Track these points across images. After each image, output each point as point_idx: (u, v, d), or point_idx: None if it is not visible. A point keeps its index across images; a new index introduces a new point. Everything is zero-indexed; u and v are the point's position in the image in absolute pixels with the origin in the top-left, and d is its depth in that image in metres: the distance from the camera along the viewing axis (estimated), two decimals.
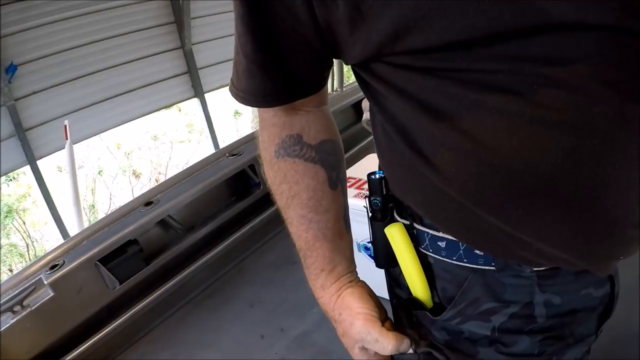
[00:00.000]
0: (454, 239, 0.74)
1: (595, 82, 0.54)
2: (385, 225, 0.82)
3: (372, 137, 0.84)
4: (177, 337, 2.44)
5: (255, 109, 0.84)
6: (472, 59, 0.58)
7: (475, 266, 0.74)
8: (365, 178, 0.86)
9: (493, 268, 0.73)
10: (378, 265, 0.90)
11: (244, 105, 0.82)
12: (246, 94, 0.79)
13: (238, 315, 2.49)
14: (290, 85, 0.78)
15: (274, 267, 2.78)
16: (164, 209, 2.58)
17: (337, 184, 0.87)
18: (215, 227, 2.85)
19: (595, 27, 0.53)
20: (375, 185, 0.83)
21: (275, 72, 0.75)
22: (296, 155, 0.83)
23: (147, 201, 2.62)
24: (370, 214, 0.86)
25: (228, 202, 3.01)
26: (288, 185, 0.84)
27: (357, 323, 0.81)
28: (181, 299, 2.64)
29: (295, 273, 2.62)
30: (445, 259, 0.77)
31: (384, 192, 0.83)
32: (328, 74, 0.83)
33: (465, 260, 0.75)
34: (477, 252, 0.73)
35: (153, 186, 3.13)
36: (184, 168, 3.00)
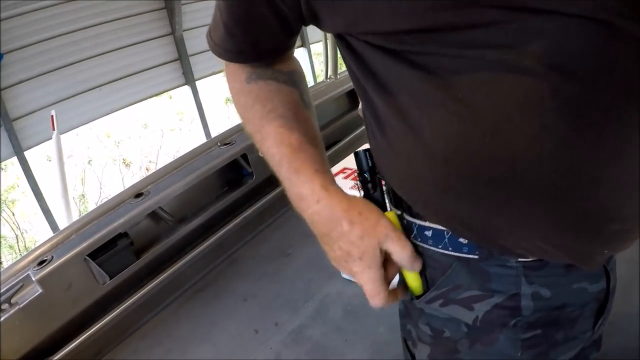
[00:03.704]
0: (439, 227, 0.74)
1: (560, 70, 0.54)
2: (376, 198, 0.82)
3: None
4: (169, 332, 2.40)
5: None
6: (440, 44, 0.59)
7: (459, 254, 0.74)
8: None
9: (477, 257, 0.73)
10: None
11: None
12: (216, 46, 0.83)
13: (231, 309, 2.45)
14: (256, 51, 0.83)
15: (268, 260, 2.74)
16: (154, 201, 2.53)
17: (310, 108, 0.89)
18: (207, 218, 2.81)
19: (561, 14, 0.53)
20: (361, 159, 0.83)
21: (243, 40, 0.80)
22: (268, 77, 0.85)
23: (137, 193, 2.58)
24: (362, 191, 0.84)
25: (220, 193, 2.97)
26: (262, 103, 0.84)
27: (384, 219, 0.76)
28: (173, 293, 2.60)
29: (289, 266, 2.59)
30: (431, 248, 0.77)
31: (370, 165, 0.82)
32: (296, 40, 0.88)
33: (450, 249, 0.74)
34: (461, 240, 0.73)
35: (143, 175, 3.08)
36: (175, 158, 2.95)
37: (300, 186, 0.79)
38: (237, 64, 0.87)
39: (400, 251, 0.76)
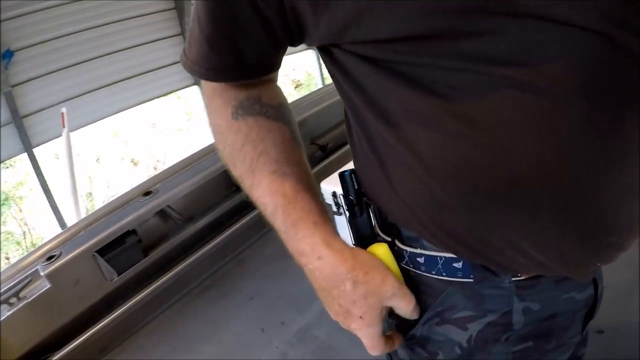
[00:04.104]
0: (432, 254, 0.73)
1: (562, 85, 0.54)
2: (363, 220, 0.80)
3: None
4: (175, 330, 2.41)
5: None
6: (437, 55, 0.57)
7: (454, 279, 0.73)
8: None
9: (471, 280, 0.72)
10: None
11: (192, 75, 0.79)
12: (194, 64, 0.75)
13: (238, 308, 2.46)
14: (241, 66, 0.75)
15: (274, 259, 2.75)
16: (163, 199, 2.55)
17: (300, 144, 0.84)
18: (214, 217, 2.82)
19: (563, 23, 0.51)
20: (347, 181, 0.79)
21: (227, 53, 0.73)
22: (257, 113, 0.79)
23: (146, 191, 2.59)
24: (348, 214, 0.81)
25: (228, 193, 2.97)
26: (252, 145, 0.78)
27: (390, 277, 0.73)
28: (180, 290, 2.61)
29: (295, 265, 2.54)
30: (424, 274, 0.75)
31: (356, 187, 0.79)
32: (282, 59, 0.80)
33: (444, 274, 0.73)
34: (455, 265, 0.72)
35: (151, 174, 3.09)
36: (184, 157, 2.96)
37: (299, 241, 0.75)
38: (222, 98, 0.80)
39: (406, 307, 0.75)
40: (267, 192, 0.77)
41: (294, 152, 0.81)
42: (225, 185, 2.98)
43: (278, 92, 0.85)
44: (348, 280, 0.72)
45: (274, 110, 0.81)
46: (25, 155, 8.36)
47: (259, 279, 2.63)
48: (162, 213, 2.66)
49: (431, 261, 0.73)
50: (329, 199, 1.77)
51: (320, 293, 0.77)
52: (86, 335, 2.23)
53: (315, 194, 0.80)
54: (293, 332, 2.22)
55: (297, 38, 0.70)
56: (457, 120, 0.59)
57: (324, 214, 0.78)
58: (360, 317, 0.74)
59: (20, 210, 12.01)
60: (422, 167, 0.64)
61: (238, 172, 0.80)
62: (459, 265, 0.72)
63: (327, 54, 0.71)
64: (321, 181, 2.02)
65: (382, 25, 0.57)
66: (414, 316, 0.77)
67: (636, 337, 1.74)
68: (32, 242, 11.85)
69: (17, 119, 7.84)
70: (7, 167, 10.94)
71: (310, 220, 0.75)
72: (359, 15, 0.57)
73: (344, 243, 0.75)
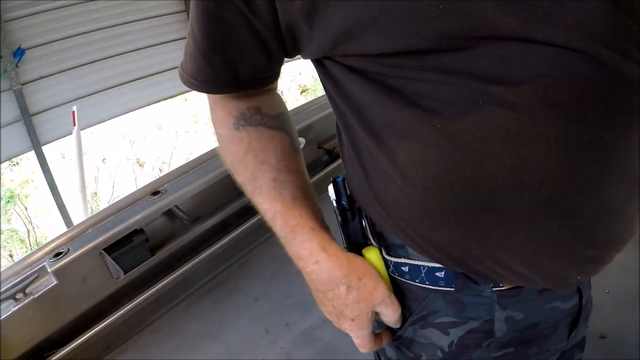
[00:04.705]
0: (416, 263, 0.76)
1: (542, 103, 0.55)
2: (355, 225, 0.83)
3: None
4: (180, 329, 2.42)
5: None
6: (421, 68, 0.59)
7: (436, 288, 0.76)
8: None
9: (453, 289, 0.75)
10: None
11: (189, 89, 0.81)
12: (191, 77, 0.78)
13: (243, 308, 2.47)
14: (236, 80, 0.78)
15: (280, 261, 2.75)
16: (170, 199, 2.55)
17: (300, 152, 0.88)
18: (222, 218, 2.82)
19: (544, 44, 0.53)
20: (339, 187, 0.83)
21: (222, 68, 0.75)
22: (258, 123, 0.82)
23: (154, 191, 2.60)
24: (340, 218, 0.84)
25: (235, 194, 2.97)
26: (254, 154, 0.81)
27: (382, 285, 0.77)
28: (185, 290, 2.62)
29: None
30: (408, 281, 0.79)
31: (348, 193, 0.83)
32: (279, 70, 0.83)
33: (427, 283, 0.76)
34: (438, 274, 0.74)
35: (156, 176, 3.09)
36: (192, 158, 2.97)
37: (298, 246, 0.79)
38: (223, 109, 0.83)
39: (392, 314, 0.79)
40: (267, 199, 0.81)
41: (293, 161, 0.84)
42: (232, 186, 2.93)
43: (278, 100, 0.88)
44: (343, 284, 0.76)
45: (275, 120, 0.84)
46: (32, 153, 8.38)
47: (264, 280, 2.64)
48: (169, 213, 2.66)
49: (415, 270, 0.76)
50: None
51: (316, 294, 0.81)
52: (91, 333, 2.24)
53: (312, 201, 0.84)
54: (297, 333, 2.22)
55: (292, 52, 0.73)
56: (437, 133, 0.60)
57: (321, 219, 0.83)
58: (352, 319, 0.78)
59: (26, 209, 12.04)
60: (402, 177, 0.66)
61: (240, 179, 0.85)
62: (441, 274, 0.74)
63: (320, 65, 0.73)
64: (328, 185, 2.03)
65: (369, 42, 0.59)
66: (397, 325, 0.81)
67: (636, 342, 1.75)
68: (36, 240, 11.88)
69: (27, 117, 7.87)
70: (14, 165, 10.98)
71: (308, 226, 0.79)
72: (348, 33, 0.60)
73: (339, 248, 0.79)
